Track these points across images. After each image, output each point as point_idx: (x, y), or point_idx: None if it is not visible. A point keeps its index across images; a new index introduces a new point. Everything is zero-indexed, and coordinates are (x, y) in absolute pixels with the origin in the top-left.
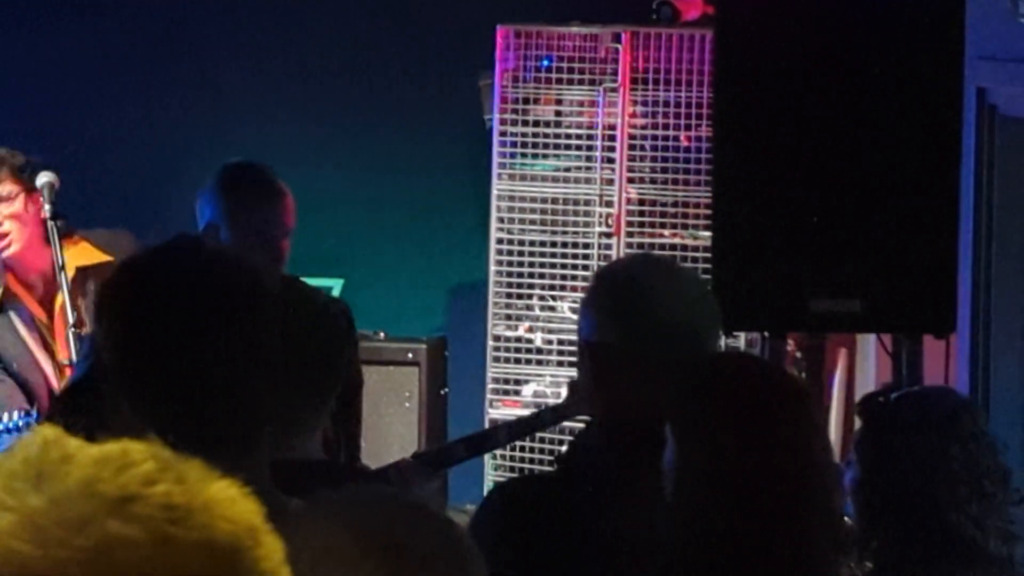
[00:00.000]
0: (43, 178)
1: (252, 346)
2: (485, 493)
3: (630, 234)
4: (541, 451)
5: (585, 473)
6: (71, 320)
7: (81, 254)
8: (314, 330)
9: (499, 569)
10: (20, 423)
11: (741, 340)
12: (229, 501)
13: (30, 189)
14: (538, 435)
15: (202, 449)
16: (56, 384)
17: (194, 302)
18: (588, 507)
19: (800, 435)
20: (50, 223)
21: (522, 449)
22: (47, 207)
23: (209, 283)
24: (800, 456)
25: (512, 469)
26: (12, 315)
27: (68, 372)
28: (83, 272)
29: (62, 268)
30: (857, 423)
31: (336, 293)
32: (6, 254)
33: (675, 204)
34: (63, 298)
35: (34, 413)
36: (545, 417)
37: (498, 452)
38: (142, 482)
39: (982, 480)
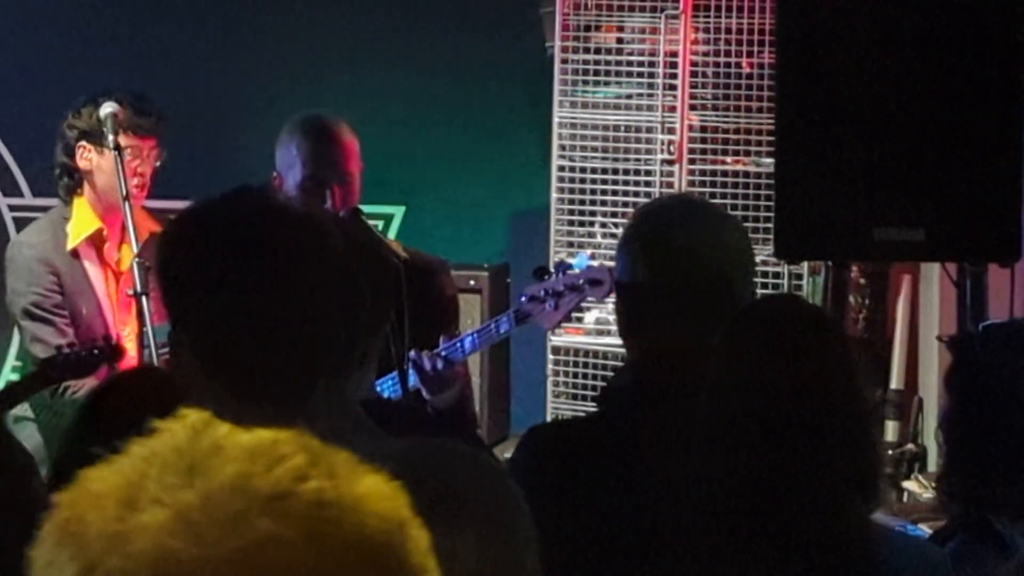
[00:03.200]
0: (106, 108)
1: (311, 294)
2: (547, 419)
3: (692, 161)
4: (603, 379)
5: (617, 415)
6: (138, 283)
7: (148, 223)
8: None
9: (535, 511)
10: None
11: (804, 267)
12: (379, 496)
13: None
14: (600, 361)
15: (259, 394)
16: (116, 337)
17: (253, 248)
18: (620, 449)
19: (834, 377)
20: (114, 154)
21: (584, 376)
22: (110, 138)
23: (268, 229)
24: (832, 397)
25: (574, 397)
26: (86, 263)
27: (132, 303)
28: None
29: (126, 197)
30: (934, 355)
31: (398, 220)
32: (90, 210)
33: (737, 131)
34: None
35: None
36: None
37: (560, 380)
38: (294, 477)
39: None
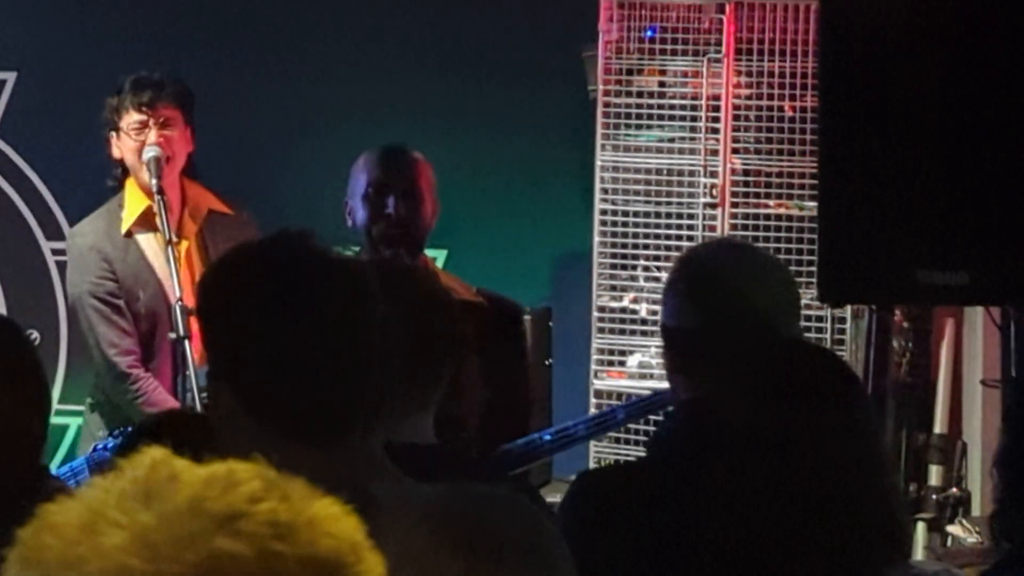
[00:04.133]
0: (149, 152)
1: (348, 338)
2: (590, 464)
3: (735, 204)
4: (646, 422)
5: (666, 459)
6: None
7: (207, 198)
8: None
9: (584, 558)
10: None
11: (847, 311)
12: (332, 518)
13: (187, 121)
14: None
15: (297, 436)
16: (178, 292)
17: (291, 292)
18: (668, 495)
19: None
20: (157, 198)
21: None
22: (153, 182)
23: (306, 274)
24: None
25: (617, 440)
26: (142, 242)
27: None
28: (213, 215)
29: (169, 242)
30: (977, 399)
31: (440, 263)
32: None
33: (780, 174)
34: (192, 231)
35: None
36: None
37: None
38: (248, 500)
39: None
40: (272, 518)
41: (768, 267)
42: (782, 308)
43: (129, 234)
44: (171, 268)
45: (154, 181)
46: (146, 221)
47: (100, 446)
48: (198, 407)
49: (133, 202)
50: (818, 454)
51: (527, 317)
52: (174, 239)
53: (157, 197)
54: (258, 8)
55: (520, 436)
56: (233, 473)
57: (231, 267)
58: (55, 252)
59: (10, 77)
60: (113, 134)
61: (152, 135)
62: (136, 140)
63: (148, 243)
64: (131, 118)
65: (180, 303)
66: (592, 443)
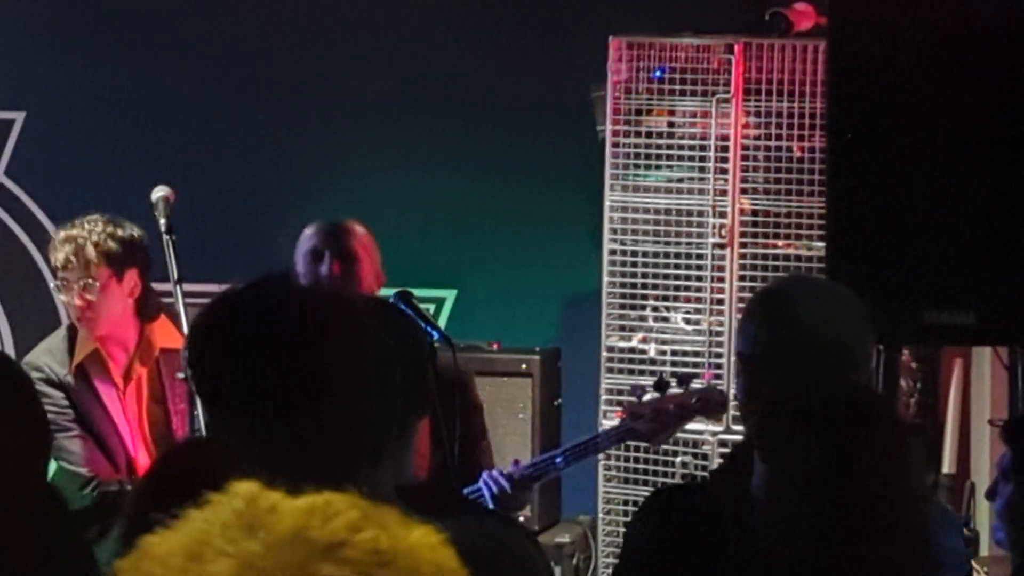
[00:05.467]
0: (158, 192)
1: (344, 376)
2: (599, 503)
3: (743, 245)
4: (655, 462)
5: (732, 486)
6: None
7: (166, 335)
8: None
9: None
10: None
11: None
12: (430, 547)
13: (121, 269)
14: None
15: (303, 478)
16: (132, 450)
17: (280, 333)
18: (729, 520)
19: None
20: (166, 238)
21: (635, 460)
22: (162, 221)
23: (294, 313)
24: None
25: (626, 480)
26: (94, 379)
27: (145, 422)
28: (166, 353)
29: (177, 281)
30: (985, 439)
31: (449, 303)
32: (84, 332)
33: (788, 215)
34: (141, 372)
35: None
36: (602, 441)
37: (611, 463)
38: (349, 528)
39: None
40: (374, 546)
41: (843, 300)
42: (854, 344)
43: (81, 370)
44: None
45: (163, 220)
46: (95, 361)
47: None
48: None
49: (82, 341)
50: (836, 490)
51: (536, 357)
52: (128, 378)
53: (165, 237)
54: (261, 41)
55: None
56: (331, 503)
57: (217, 315)
58: None
59: (18, 117)
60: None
61: (73, 297)
62: (64, 300)
63: (101, 383)
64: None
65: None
66: (602, 484)
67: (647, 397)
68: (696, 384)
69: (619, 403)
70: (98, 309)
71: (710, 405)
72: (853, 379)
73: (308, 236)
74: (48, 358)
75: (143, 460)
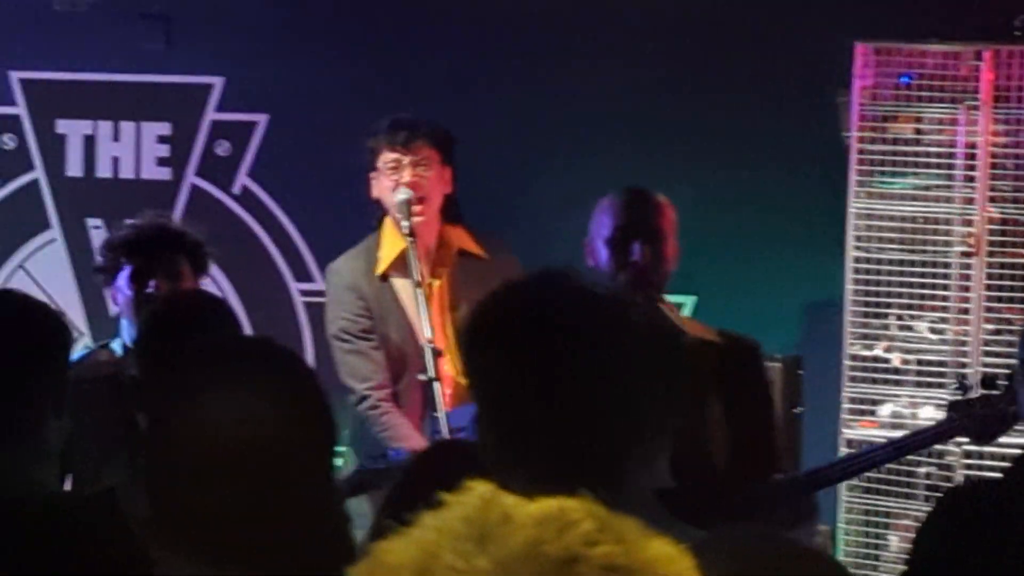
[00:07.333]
0: (402, 194)
1: (620, 377)
2: (840, 513)
3: (991, 254)
4: (898, 472)
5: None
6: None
7: (462, 240)
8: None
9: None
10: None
11: None
12: (668, 559)
13: (444, 162)
14: None
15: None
16: (428, 334)
17: (559, 330)
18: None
19: None
20: (409, 240)
21: (878, 470)
22: (405, 224)
23: (573, 311)
24: None
25: (867, 490)
26: (396, 284)
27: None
28: (463, 257)
29: (418, 284)
30: None
31: (688, 309)
32: (417, 220)
33: None
34: (442, 274)
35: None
36: (920, 439)
37: None
38: (584, 542)
39: None
40: (609, 562)
41: None
42: None
43: (384, 275)
44: (420, 310)
45: (405, 223)
46: (401, 263)
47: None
48: None
49: (389, 244)
50: None
51: (777, 364)
52: (425, 280)
53: (408, 239)
54: (505, 49)
55: (767, 475)
56: (565, 512)
57: (495, 306)
58: (304, 293)
59: (262, 119)
60: (373, 174)
61: (407, 174)
62: (391, 179)
63: (402, 286)
64: (386, 157)
65: (430, 344)
66: (844, 494)
67: (972, 394)
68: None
69: (861, 412)
70: (428, 191)
71: None
72: None
73: (618, 209)
74: (352, 263)
75: (447, 369)
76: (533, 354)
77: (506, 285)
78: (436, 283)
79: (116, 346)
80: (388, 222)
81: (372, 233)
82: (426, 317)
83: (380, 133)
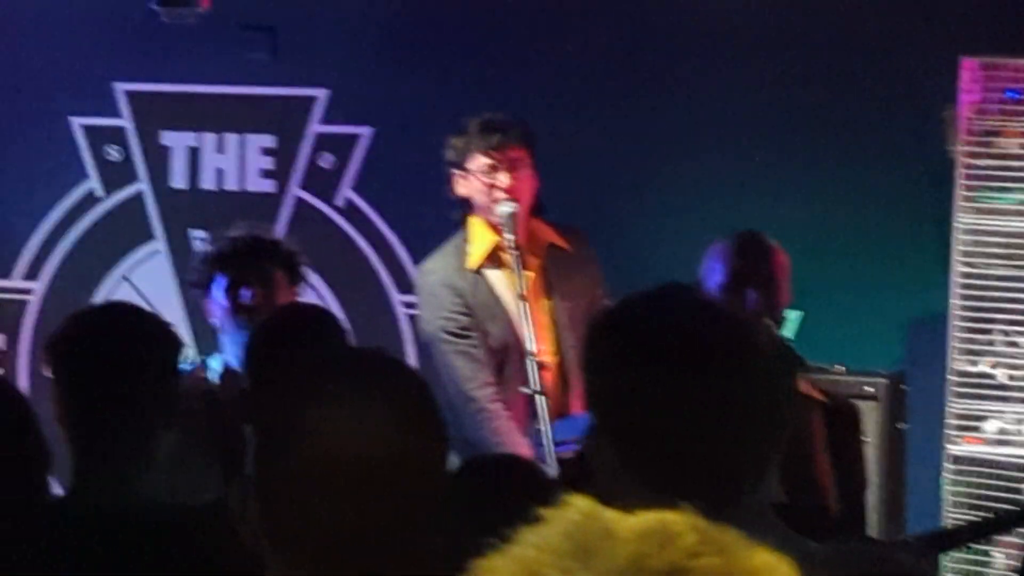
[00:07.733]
0: (506, 207)
1: (741, 394)
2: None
3: None
4: (999, 488)
5: None
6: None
7: (547, 233)
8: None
9: None
10: None
11: None
12: (771, 569)
13: (533, 158)
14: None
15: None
16: (531, 347)
17: (683, 345)
18: None
19: None
20: (514, 254)
21: (984, 487)
22: (509, 237)
23: (698, 327)
24: None
25: (972, 507)
26: (490, 276)
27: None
28: (552, 250)
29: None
30: None
31: (793, 324)
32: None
33: None
34: (534, 265)
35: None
36: None
37: (959, 490)
38: (687, 555)
39: None
40: (713, 573)
41: None
42: None
43: (478, 271)
44: (524, 322)
45: (510, 237)
46: (492, 256)
47: None
48: (550, 460)
49: (479, 238)
50: None
51: (882, 380)
52: (526, 290)
53: (514, 252)
54: (613, 60)
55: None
56: (667, 525)
57: (617, 319)
58: (407, 305)
59: (365, 132)
60: (456, 171)
61: (503, 178)
62: (484, 181)
63: (496, 278)
64: (480, 162)
65: (533, 357)
66: (948, 510)
67: None
68: None
69: (967, 428)
70: (523, 192)
71: None
72: None
73: (732, 254)
74: (443, 261)
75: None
76: (662, 369)
77: (627, 298)
78: (528, 275)
79: (215, 363)
80: (474, 219)
81: (459, 231)
82: (530, 329)
83: (470, 134)
